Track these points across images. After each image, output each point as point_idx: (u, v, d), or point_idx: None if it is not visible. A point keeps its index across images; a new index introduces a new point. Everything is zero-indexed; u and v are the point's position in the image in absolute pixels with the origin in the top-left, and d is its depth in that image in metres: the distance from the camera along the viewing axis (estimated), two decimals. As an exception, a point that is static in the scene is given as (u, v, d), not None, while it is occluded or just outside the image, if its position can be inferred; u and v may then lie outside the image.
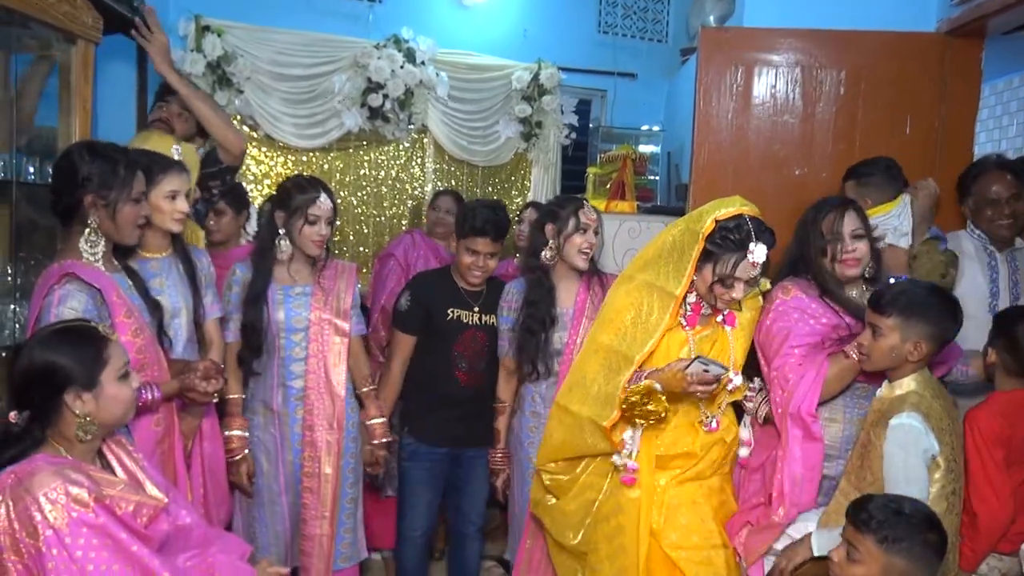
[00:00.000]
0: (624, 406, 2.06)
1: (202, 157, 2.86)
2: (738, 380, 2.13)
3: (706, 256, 2.05)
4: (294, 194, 2.47)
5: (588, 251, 2.53)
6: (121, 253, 2.16)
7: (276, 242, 2.47)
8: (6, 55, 2.42)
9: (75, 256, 2.00)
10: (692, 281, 2.09)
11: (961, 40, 3.08)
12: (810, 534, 1.97)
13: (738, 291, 2.05)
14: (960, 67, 3.10)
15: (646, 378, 2.06)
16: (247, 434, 2.48)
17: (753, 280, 2.08)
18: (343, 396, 2.54)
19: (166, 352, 2.22)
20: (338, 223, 4.27)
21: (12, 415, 1.59)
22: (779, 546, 2.08)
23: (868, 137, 3.11)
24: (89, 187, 1.98)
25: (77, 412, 1.63)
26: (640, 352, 2.08)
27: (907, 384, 1.96)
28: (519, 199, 4.69)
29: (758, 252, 2.01)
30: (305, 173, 2.72)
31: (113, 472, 1.73)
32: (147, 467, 1.84)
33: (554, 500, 2.34)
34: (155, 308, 2.16)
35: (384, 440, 2.63)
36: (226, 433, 2.45)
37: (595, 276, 2.62)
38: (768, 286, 2.18)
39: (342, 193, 4.35)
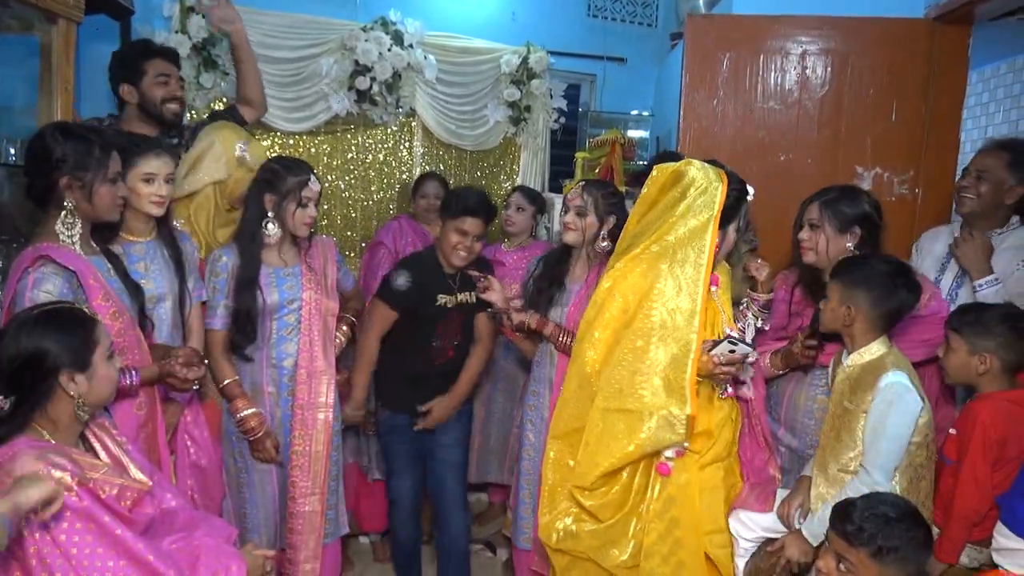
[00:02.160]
0: None
1: (215, 112, 3.02)
2: (755, 355, 2.06)
3: (724, 221, 2.05)
4: (285, 176, 2.45)
5: (564, 228, 2.55)
6: (102, 236, 2.15)
7: (264, 225, 2.46)
8: (-13, 35, 2.39)
9: (51, 239, 1.99)
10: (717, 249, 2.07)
11: (949, 26, 3.09)
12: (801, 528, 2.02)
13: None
14: (947, 53, 3.11)
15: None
16: (260, 410, 2.47)
17: None
18: (333, 374, 2.56)
19: (148, 336, 2.21)
20: (325, 207, 4.30)
21: None
22: (748, 539, 2.13)
23: (854, 123, 3.12)
24: (64, 168, 1.97)
25: (72, 393, 1.64)
26: (693, 332, 1.94)
27: (876, 348, 2.02)
28: (507, 184, 4.67)
29: (751, 191, 2.14)
30: (292, 156, 2.69)
31: (96, 456, 1.74)
32: (131, 451, 1.84)
33: (596, 524, 2.09)
34: (136, 291, 2.15)
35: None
36: (239, 416, 2.44)
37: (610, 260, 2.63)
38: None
39: (329, 177, 4.32)
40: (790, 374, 2.36)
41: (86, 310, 1.75)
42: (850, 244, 2.25)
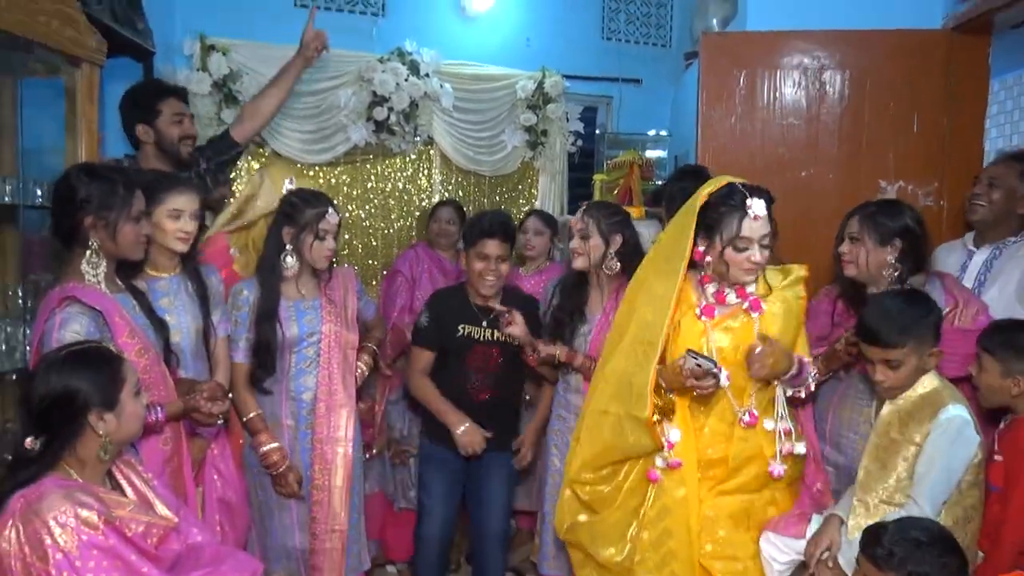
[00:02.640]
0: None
1: (211, 139, 3.06)
2: (724, 380, 1.97)
3: (708, 230, 2.02)
4: (303, 209, 2.46)
5: (572, 252, 2.55)
6: (126, 273, 2.17)
7: (282, 258, 2.47)
8: (12, 80, 2.44)
9: (76, 278, 2.01)
10: (707, 262, 2.05)
11: (968, 36, 3.06)
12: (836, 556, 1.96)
13: (755, 253, 1.98)
14: (967, 63, 3.08)
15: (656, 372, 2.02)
16: (282, 445, 2.46)
17: (765, 240, 2.00)
18: (353, 407, 2.54)
19: (173, 371, 2.23)
20: (346, 236, 4.33)
21: (28, 441, 1.60)
22: (782, 562, 2.08)
23: (875, 137, 3.09)
24: (88, 208, 1.99)
25: (100, 432, 1.65)
26: (660, 332, 2.01)
27: (929, 381, 1.96)
28: (527, 207, 4.68)
29: (756, 205, 1.97)
30: (311, 188, 2.70)
31: (123, 493, 1.74)
32: (156, 486, 1.84)
33: (592, 516, 2.22)
34: (160, 327, 2.17)
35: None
36: (262, 450, 2.43)
37: (626, 285, 2.59)
38: (805, 272, 2.11)
39: (350, 207, 4.36)
40: (833, 389, 2.33)
41: (112, 349, 1.77)
42: (891, 257, 2.20)
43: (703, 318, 2.06)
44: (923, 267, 2.28)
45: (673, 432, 2.08)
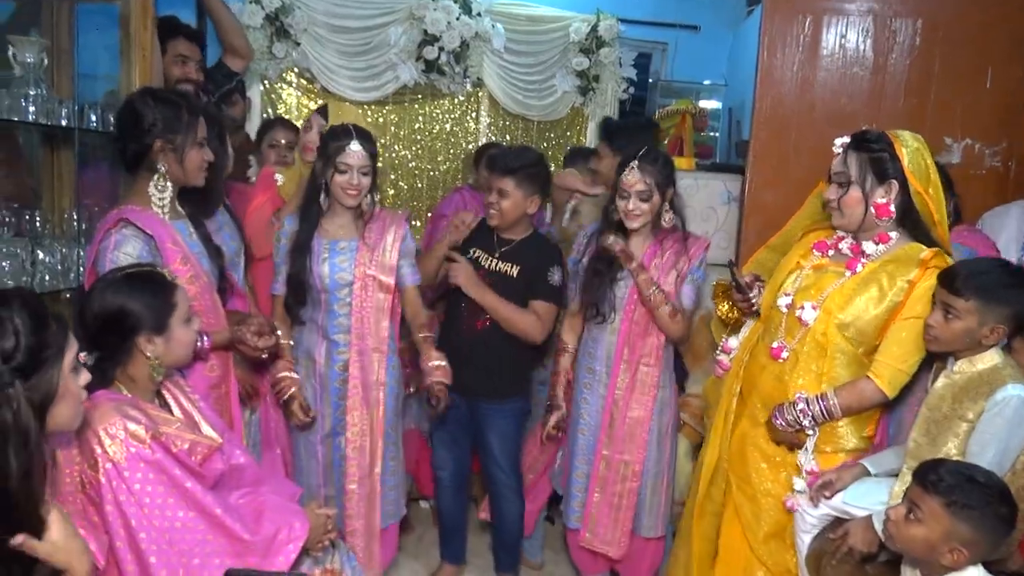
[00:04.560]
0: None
1: (206, 72, 3.04)
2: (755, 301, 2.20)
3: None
4: (328, 142, 2.43)
5: (628, 215, 2.45)
6: (189, 200, 2.17)
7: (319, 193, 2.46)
8: (69, 4, 2.46)
9: (138, 202, 2.04)
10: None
11: (1051, -14, 2.87)
12: (871, 515, 1.92)
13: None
14: (1048, 15, 2.90)
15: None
16: (295, 374, 2.48)
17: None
18: (386, 353, 2.52)
19: (237, 298, 2.27)
20: (392, 177, 4.33)
21: (82, 356, 1.65)
22: (814, 515, 2.06)
23: (943, 91, 2.94)
24: (156, 132, 2.01)
25: (149, 354, 1.71)
26: (787, 238, 2.35)
27: (991, 358, 1.86)
28: (575, 155, 4.61)
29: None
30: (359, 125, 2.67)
31: (170, 411, 1.80)
32: (203, 408, 1.90)
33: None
34: (217, 255, 2.19)
35: (442, 380, 2.49)
36: (277, 375, 2.45)
37: (674, 234, 2.53)
38: (926, 254, 1.96)
39: (396, 147, 4.35)
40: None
41: (167, 274, 1.81)
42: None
43: (814, 251, 2.13)
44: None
45: (733, 340, 2.33)
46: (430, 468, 3.30)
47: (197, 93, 2.92)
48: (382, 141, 4.27)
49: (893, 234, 2.01)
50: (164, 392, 1.82)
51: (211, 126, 2.18)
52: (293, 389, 2.44)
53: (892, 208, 1.98)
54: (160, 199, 2.05)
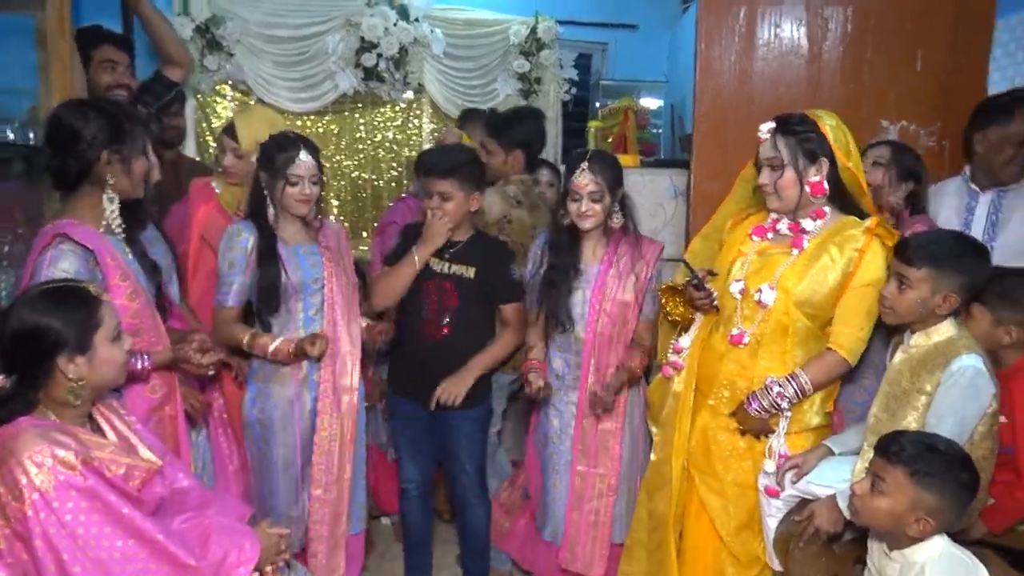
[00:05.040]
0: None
1: (144, 84, 2.95)
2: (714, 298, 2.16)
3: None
4: (274, 154, 2.36)
5: (581, 216, 2.41)
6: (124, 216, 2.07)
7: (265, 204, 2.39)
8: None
9: (76, 218, 1.95)
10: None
11: (974, -29, 2.95)
12: (835, 494, 1.92)
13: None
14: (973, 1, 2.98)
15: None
16: (286, 338, 2.37)
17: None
18: (358, 355, 2.48)
19: (173, 318, 2.18)
20: (335, 186, 4.24)
21: (0, 379, 1.54)
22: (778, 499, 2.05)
23: (878, 75, 2.99)
24: (100, 144, 1.93)
25: (70, 376, 1.58)
26: (718, 227, 2.40)
27: (945, 329, 1.88)
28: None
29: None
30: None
31: (104, 435, 1.69)
32: (140, 431, 1.79)
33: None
34: (153, 271, 2.11)
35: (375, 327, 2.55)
36: (271, 350, 2.33)
37: (626, 236, 2.50)
38: (871, 223, 2.02)
39: (338, 158, 4.27)
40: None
41: (91, 289, 1.69)
42: (900, 194, 2.34)
43: (753, 237, 2.16)
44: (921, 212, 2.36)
45: (684, 338, 2.27)
46: (391, 484, 3.22)
47: (133, 101, 2.82)
48: (324, 152, 4.16)
49: (827, 209, 2.08)
50: (96, 416, 1.71)
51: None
52: (292, 344, 2.34)
53: (825, 185, 2.04)
54: (111, 212, 1.97)
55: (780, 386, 2.02)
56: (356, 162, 4.32)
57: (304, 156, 2.34)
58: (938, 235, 2.02)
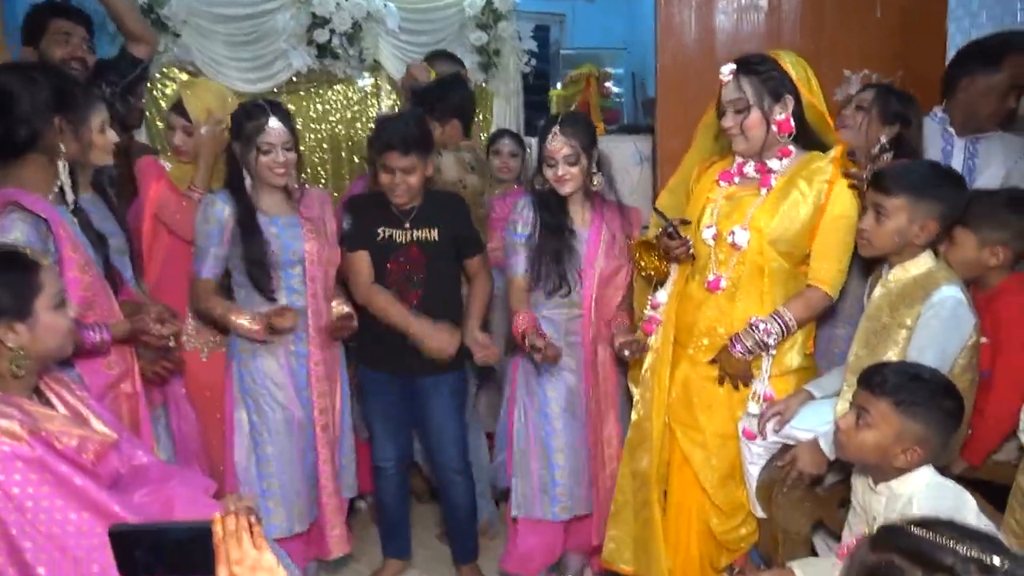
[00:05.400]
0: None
1: (108, 62, 2.82)
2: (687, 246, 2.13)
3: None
4: (244, 122, 2.31)
5: (558, 181, 2.35)
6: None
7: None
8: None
9: (26, 188, 1.85)
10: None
11: (931, -81, 2.96)
12: (817, 437, 1.89)
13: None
14: (929, -52, 2.99)
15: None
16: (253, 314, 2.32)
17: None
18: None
19: (123, 291, 2.10)
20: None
21: None
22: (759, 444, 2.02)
23: (838, 25, 3.00)
24: (50, 110, 1.84)
25: (10, 345, 1.49)
26: (683, 179, 2.34)
27: (924, 262, 1.86)
28: (483, 133, 4.49)
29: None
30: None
31: (53, 409, 1.59)
32: (94, 406, 1.70)
33: None
34: (100, 243, 2.03)
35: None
36: (243, 329, 2.30)
37: (607, 203, 2.47)
38: (835, 153, 2.01)
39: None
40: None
41: (29, 253, 1.60)
42: (885, 137, 2.22)
43: (720, 182, 2.12)
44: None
45: (661, 293, 2.24)
46: (362, 464, 3.13)
47: (90, 78, 2.68)
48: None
49: (792, 148, 2.05)
50: (44, 389, 1.61)
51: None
52: (259, 322, 2.30)
53: (792, 122, 2.02)
54: (67, 181, 1.90)
55: (765, 323, 1.99)
56: (314, 140, 4.20)
57: (274, 123, 2.29)
58: (916, 165, 2.01)
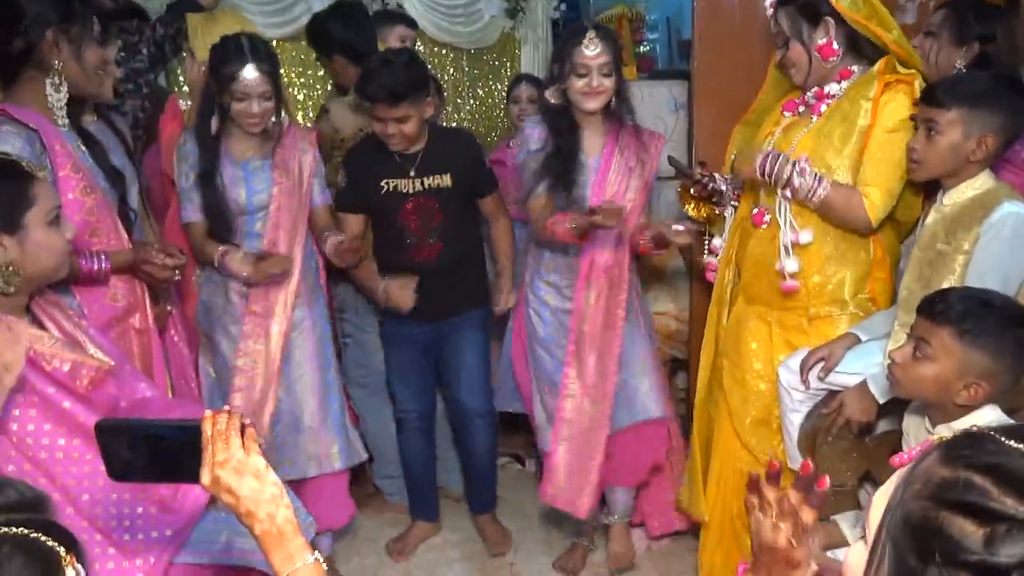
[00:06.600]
0: None
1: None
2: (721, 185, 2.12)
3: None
4: (219, 64, 2.15)
5: (590, 93, 2.19)
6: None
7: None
8: None
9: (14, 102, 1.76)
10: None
11: None
12: (866, 379, 1.74)
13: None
14: None
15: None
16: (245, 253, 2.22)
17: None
18: (297, 283, 2.31)
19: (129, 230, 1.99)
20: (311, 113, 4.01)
21: None
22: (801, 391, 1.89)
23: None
24: (46, 23, 1.73)
25: None
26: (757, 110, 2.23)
27: (982, 182, 1.68)
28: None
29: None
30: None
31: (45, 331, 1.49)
32: (94, 334, 1.60)
33: None
34: (117, 178, 1.93)
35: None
36: (237, 272, 2.20)
37: (625, 128, 2.30)
38: (879, 66, 1.84)
39: (317, 86, 4.03)
40: None
41: (23, 164, 1.50)
42: (961, 61, 1.96)
43: (784, 113, 2.03)
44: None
45: (716, 239, 2.22)
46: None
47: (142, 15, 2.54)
48: (299, 80, 3.97)
49: (854, 68, 1.90)
50: (37, 311, 1.51)
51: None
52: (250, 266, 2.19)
53: (835, 46, 1.87)
54: (58, 99, 1.78)
55: (805, 163, 1.84)
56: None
57: (250, 72, 2.12)
58: (969, 74, 1.83)
